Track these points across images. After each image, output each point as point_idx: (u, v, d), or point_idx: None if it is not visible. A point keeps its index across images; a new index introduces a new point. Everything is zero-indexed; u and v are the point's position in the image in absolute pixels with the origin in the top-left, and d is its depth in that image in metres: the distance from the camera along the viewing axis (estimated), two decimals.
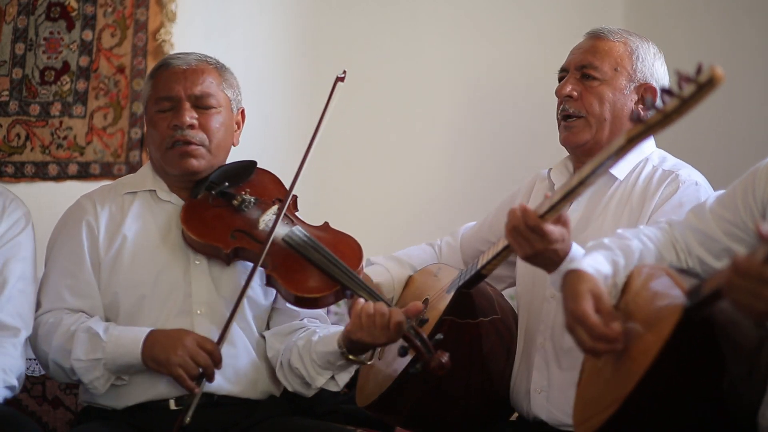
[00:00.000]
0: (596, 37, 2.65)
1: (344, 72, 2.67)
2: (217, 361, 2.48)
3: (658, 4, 3.89)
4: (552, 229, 2.18)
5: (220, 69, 2.73)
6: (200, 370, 2.47)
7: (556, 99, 2.67)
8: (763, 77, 3.48)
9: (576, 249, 2.24)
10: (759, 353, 1.85)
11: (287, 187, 2.75)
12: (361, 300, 2.46)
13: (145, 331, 2.52)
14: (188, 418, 2.43)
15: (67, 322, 2.55)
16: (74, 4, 3.34)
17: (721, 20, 3.64)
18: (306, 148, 2.61)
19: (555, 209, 2.17)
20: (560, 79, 2.68)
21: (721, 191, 2.23)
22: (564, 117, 2.63)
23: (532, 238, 2.19)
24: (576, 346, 2.02)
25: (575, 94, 2.60)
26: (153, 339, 2.50)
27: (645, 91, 2.60)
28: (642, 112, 2.55)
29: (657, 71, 2.64)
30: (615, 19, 3.88)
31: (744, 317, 1.82)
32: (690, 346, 1.81)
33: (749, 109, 3.50)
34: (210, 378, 2.48)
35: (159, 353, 2.47)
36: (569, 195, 2.15)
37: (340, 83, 2.67)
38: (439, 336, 2.41)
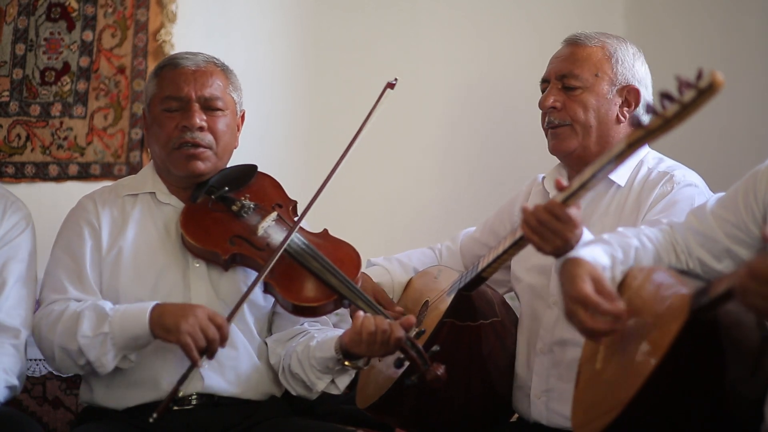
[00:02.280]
0: (573, 43, 2.64)
1: (396, 79, 2.65)
2: (224, 338, 2.45)
3: (659, 5, 3.89)
4: (576, 212, 2.16)
5: (226, 71, 2.73)
6: (206, 343, 2.42)
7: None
8: (764, 78, 3.48)
9: (587, 234, 2.22)
10: (762, 354, 1.85)
11: (288, 194, 2.77)
12: (361, 313, 2.47)
13: (151, 303, 2.50)
14: (181, 392, 2.40)
15: (73, 307, 2.54)
16: (74, 5, 3.34)
17: (722, 21, 3.64)
18: (334, 164, 2.61)
19: (575, 196, 2.14)
20: (543, 90, 2.68)
21: (722, 193, 2.23)
22: (550, 127, 2.63)
23: (561, 228, 2.16)
24: (576, 355, 2.02)
25: (558, 104, 2.61)
26: (162, 308, 2.48)
27: (628, 93, 2.60)
28: (627, 114, 2.59)
29: (638, 71, 2.63)
30: (615, 21, 3.87)
31: (749, 317, 1.83)
32: (695, 348, 1.82)
33: (749, 110, 3.50)
34: (212, 354, 2.44)
35: (168, 320, 2.44)
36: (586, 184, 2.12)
37: (389, 90, 2.64)
38: (436, 348, 2.42)
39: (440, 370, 2.38)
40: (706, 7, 3.71)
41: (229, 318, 2.48)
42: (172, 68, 2.68)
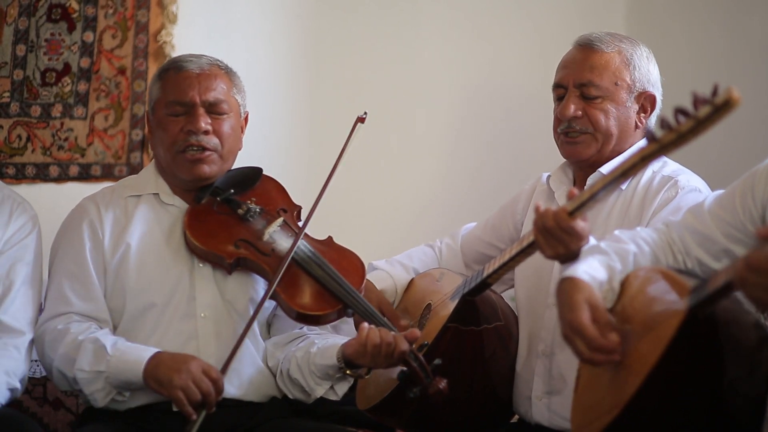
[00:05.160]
0: (589, 48, 2.61)
1: (365, 113, 2.66)
2: (219, 391, 2.44)
3: (660, 6, 3.88)
4: (583, 225, 2.18)
5: (230, 74, 2.73)
6: (200, 397, 2.42)
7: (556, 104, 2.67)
8: (766, 77, 3.48)
9: (591, 242, 2.22)
10: (759, 352, 1.86)
11: (292, 196, 2.77)
12: (366, 325, 2.47)
13: (151, 350, 2.50)
14: None
15: (75, 331, 2.54)
16: (75, 6, 3.33)
17: (724, 21, 3.64)
18: (321, 187, 2.60)
19: (585, 206, 2.15)
20: (556, 95, 2.66)
21: (719, 191, 2.23)
22: (569, 133, 2.61)
23: (566, 238, 2.17)
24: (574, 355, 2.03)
25: (579, 113, 2.59)
26: (157, 359, 2.47)
27: (645, 99, 2.60)
28: (644, 121, 2.59)
29: (652, 75, 2.63)
30: (616, 21, 3.87)
31: (747, 315, 1.85)
32: (692, 346, 1.82)
33: (752, 110, 3.49)
34: (210, 407, 2.43)
35: (162, 374, 2.44)
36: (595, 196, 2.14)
37: (360, 124, 2.65)
38: (438, 361, 2.42)
39: (442, 383, 2.39)
40: (708, 7, 3.70)
41: (224, 369, 2.48)
42: (176, 72, 2.67)
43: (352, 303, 2.55)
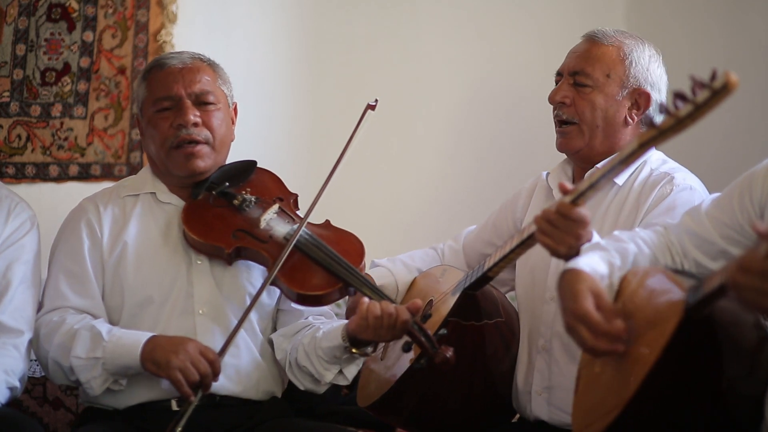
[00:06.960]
0: (590, 40, 2.64)
1: (376, 100, 2.65)
2: (216, 372, 2.46)
3: (659, 5, 3.89)
4: (583, 210, 2.16)
5: (213, 66, 2.75)
6: (198, 378, 2.44)
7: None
8: (765, 77, 3.48)
9: (596, 236, 2.22)
10: (759, 353, 1.85)
11: (289, 187, 2.78)
12: (366, 299, 2.47)
13: (147, 334, 2.52)
14: (180, 428, 2.39)
15: (70, 321, 2.55)
16: (75, 5, 3.33)
17: (723, 20, 3.64)
18: (328, 174, 2.60)
19: (583, 196, 2.14)
20: (557, 83, 2.68)
21: (717, 194, 2.23)
22: (559, 123, 2.64)
23: (573, 226, 2.16)
24: (577, 348, 2.02)
25: (567, 100, 2.61)
26: (154, 342, 2.49)
27: (638, 96, 2.60)
28: (636, 117, 2.60)
29: (652, 74, 2.62)
30: (616, 20, 3.87)
31: (747, 315, 1.83)
32: (691, 346, 1.82)
33: (751, 110, 3.49)
34: (206, 388, 2.45)
35: (159, 356, 2.46)
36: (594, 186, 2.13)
37: (370, 111, 2.64)
38: (443, 331, 2.42)
39: (449, 352, 2.38)
40: (707, 6, 3.70)
41: (222, 352, 2.49)
42: (159, 69, 2.69)
43: (353, 281, 2.55)
